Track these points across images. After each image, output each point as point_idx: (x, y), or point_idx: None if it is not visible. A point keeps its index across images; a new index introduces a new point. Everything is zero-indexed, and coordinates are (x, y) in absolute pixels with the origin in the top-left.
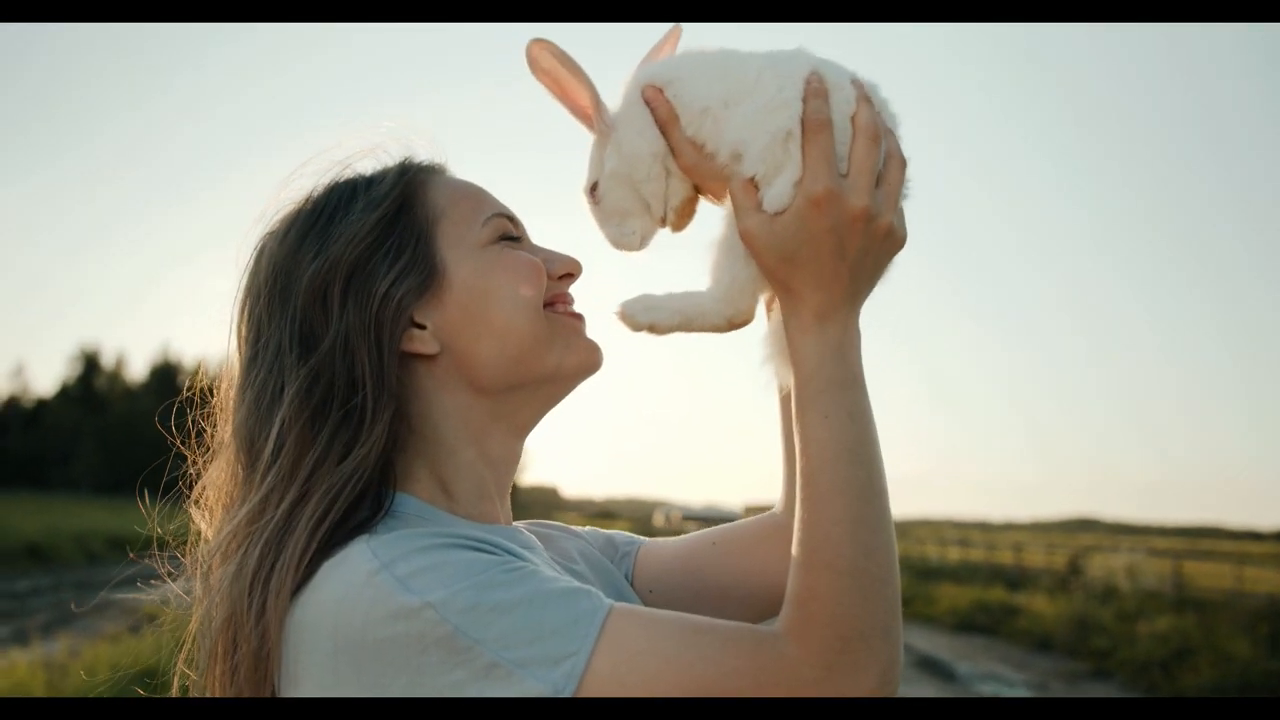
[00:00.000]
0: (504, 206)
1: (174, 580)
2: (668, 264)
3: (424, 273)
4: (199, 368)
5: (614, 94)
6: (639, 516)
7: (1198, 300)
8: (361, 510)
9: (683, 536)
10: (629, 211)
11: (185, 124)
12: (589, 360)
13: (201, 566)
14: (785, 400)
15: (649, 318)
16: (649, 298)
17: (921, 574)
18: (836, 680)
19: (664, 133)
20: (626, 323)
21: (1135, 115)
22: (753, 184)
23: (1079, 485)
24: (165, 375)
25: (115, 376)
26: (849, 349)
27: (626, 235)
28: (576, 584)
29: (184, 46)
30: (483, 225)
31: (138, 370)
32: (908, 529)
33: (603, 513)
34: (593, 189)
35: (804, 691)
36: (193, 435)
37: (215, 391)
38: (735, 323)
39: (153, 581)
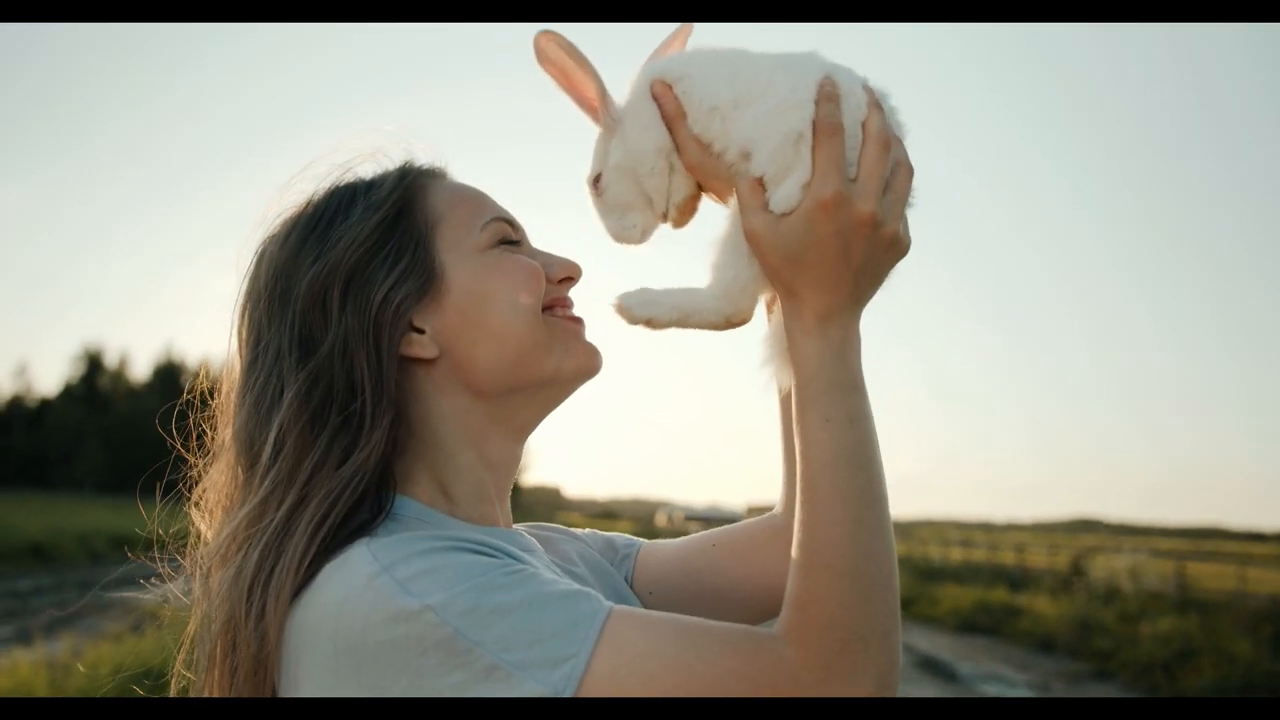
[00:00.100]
0: (503, 210)
1: (174, 581)
2: (667, 262)
3: (423, 277)
4: (201, 369)
5: (620, 89)
6: (642, 517)
7: (1200, 299)
8: (362, 513)
9: (682, 538)
10: (630, 205)
11: (187, 123)
12: (588, 364)
13: (201, 569)
14: (785, 402)
15: (647, 312)
16: (647, 291)
17: (924, 574)
18: (835, 683)
19: (670, 129)
20: (623, 315)
21: (1138, 114)
22: (760, 184)
23: (1081, 486)
24: (168, 375)
25: (118, 376)
26: (850, 352)
27: (627, 228)
28: (576, 586)
29: (184, 46)
30: (481, 229)
31: (141, 370)
32: (910, 529)
33: (605, 513)
34: (595, 180)
35: (802, 694)
36: (194, 438)
37: (217, 394)
38: (733, 321)
39: (153, 580)
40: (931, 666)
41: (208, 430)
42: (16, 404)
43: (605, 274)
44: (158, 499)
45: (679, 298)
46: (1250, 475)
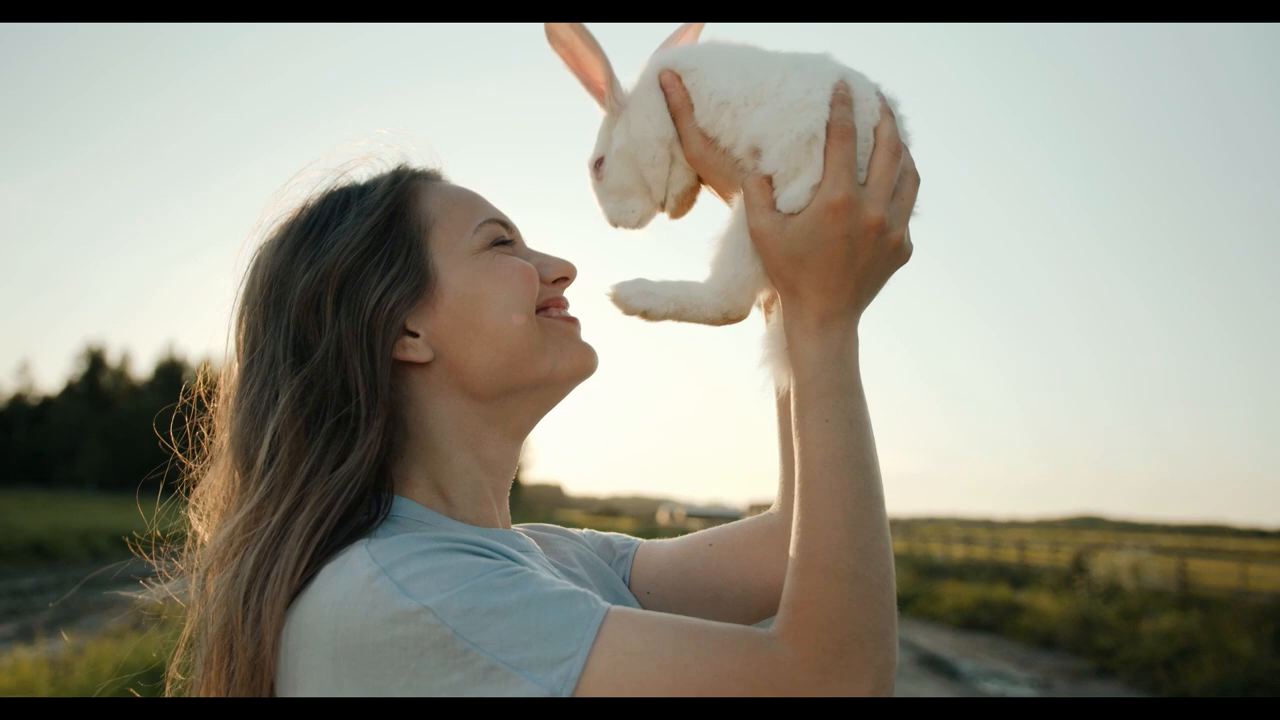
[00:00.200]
0: (497, 212)
1: (172, 581)
2: (663, 258)
3: (416, 280)
4: (201, 371)
5: (627, 78)
6: (643, 514)
7: (1203, 299)
8: (360, 515)
9: (679, 538)
10: (630, 190)
11: (188, 122)
12: (583, 364)
13: (198, 572)
14: (783, 403)
15: (643, 303)
16: (644, 282)
17: (925, 572)
18: (832, 684)
19: (675, 120)
20: (619, 305)
21: (1142, 115)
22: (768, 182)
23: (1083, 483)
24: (170, 373)
25: (120, 374)
26: (849, 355)
27: (625, 213)
28: (574, 587)
29: (185, 46)
30: (474, 232)
31: (143, 368)
32: (912, 527)
33: (607, 510)
34: (597, 164)
35: (799, 694)
36: (191, 440)
37: (214, 397)
38: (730, 318)
39: (152, 579)
40: (933, 664)
41: (205, 433)
42: (19, 402)
43: (605, 274)
44: (158, 499)
45: (676, 290)
46: (1252, 472)
